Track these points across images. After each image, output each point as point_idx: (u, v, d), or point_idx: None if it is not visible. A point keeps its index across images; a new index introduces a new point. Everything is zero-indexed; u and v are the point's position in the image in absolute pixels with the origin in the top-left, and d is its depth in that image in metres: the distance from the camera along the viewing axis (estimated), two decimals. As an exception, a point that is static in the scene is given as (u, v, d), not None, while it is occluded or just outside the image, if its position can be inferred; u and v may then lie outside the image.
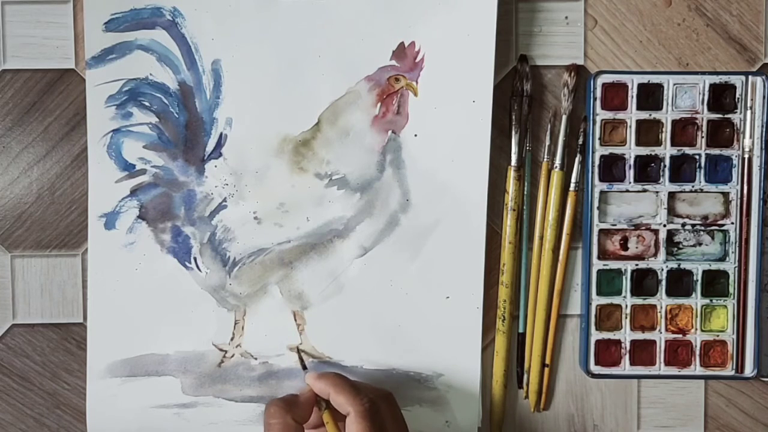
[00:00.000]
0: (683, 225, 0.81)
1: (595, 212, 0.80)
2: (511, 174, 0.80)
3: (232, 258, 0.80)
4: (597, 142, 0.80)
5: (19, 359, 0.81)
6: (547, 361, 0.82)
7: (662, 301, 0.81)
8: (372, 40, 0.78)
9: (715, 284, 0.82)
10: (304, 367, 0.79)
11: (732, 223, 0.81)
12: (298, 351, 0.80)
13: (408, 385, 0.80)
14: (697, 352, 0.82)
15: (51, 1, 0.80)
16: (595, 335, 0.81)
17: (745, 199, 0.81)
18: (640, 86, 0.80)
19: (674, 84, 0.80)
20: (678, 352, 0.82)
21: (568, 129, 0.80)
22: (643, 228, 0.81)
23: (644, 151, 0.80)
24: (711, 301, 0.81)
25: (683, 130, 0.81)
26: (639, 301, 0.81)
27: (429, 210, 0.79)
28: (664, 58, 0.81)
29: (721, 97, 0.81)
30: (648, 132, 0.80)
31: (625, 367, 0.82)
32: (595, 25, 0.81)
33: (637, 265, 0.81)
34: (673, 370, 0.82)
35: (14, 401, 0.82)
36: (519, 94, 0.80)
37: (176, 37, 0.78)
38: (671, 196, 0.81)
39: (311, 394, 0.75)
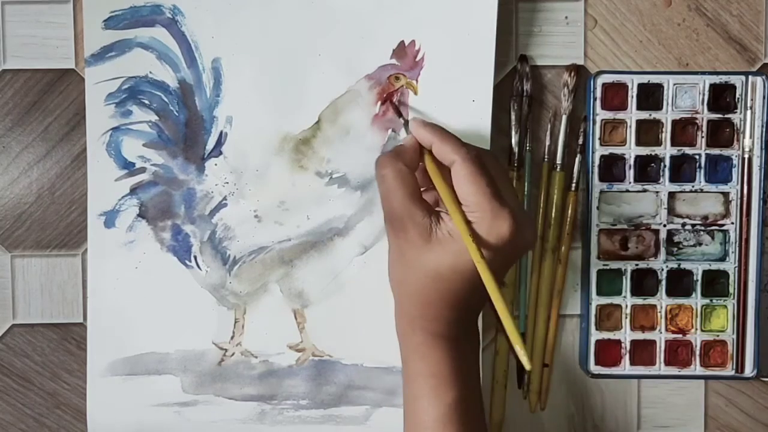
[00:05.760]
0: (683, 225, 0.81)
1: (595, 212, 0.80)
2: (511, 174, 0.80)
3: (233, 256, 0.79)
4: (597, 142, 0.80)
5: (19, 359, 0.81)
6: (547, 361, 0.82)
7: (662, 301, 0.81)
8: (372, 39, 0.78)
9: (715, 284, 0.82)
10: (400, 114, 0.78)
11: (732, 223, 0.81)
12: (392, 103, 0.79)
13: (408, 384, 0.80)
14: (697, 352, 0.82)
15: (51, 1, 0.80)
16: (595, 335, 0.81)
17: (745, 199, 0.81)
18: (640, 86, 0.80)
19: (674, 84, 0.80)
20: (678, 352, 0.82)
21: (568, 129, 0.80)
22: (643, 228, 0.81)
23: (644, 151, 0.80)
24: (711, 301, 0.81)
25: (683, 130, 0.81)
26: (639, 301, 0.81)
27: (429, 208, 0.79)
28: (664, 58, 0.81)
29: (721, 97, 0.81)
30: (648, 132, 0.81)
31: (625, 367, 0.82)
32: (595, 25, 0.81)
33: (637, 265, 0.81)
34: (673, 370, 0.82)
35: (14, 401, 0.82)
36: (519, 94, 0.80)
37: (176, 35, 0.78)
38: (671, 196, 0.81)
39: (415, 141, 0.73)
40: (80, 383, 0.81)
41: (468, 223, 0.67)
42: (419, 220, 0.69)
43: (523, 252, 0.76)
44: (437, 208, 0.72)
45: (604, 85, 0.80)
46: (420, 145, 0.73)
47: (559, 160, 0.80)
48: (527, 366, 0.65)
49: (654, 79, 0.80)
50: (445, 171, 0.71)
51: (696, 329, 0.82)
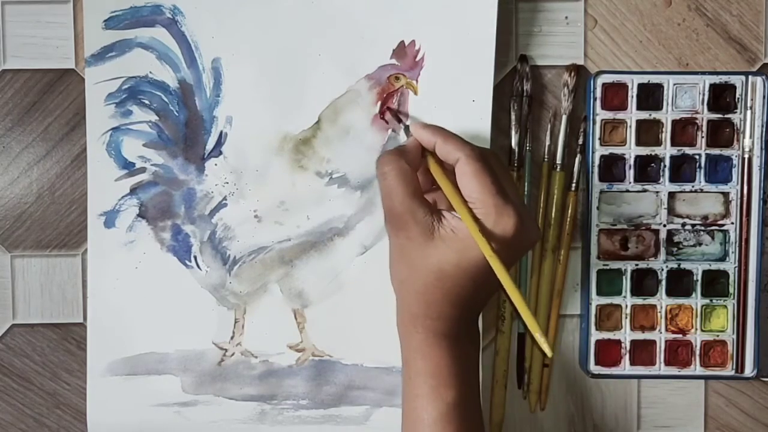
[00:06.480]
0: (683, 225, 0.81)
1: (595, 212, 0.80)
2: (512, 174, 0.80)
3: (233, 256, 0.80)
4: (597, 142, 0.80)
5: (19, 359, 0.81)
6: (547, 361, 0.82)
7: (662, 301, 0.81)
8: (372, 39, 0.78)
9: (715, 284, 0.82)
10: (399, 120, 0.78)
11: (732, 223, 0.81)
12: (390, 109, 0.79)
13: (408, 384, 0.80)
14: (697, 352, 0.82)
15: (51, 1, 0.80)
16: (595, 335, 0.81)
17: (745, 199, 0.81)
18: (640, 86, 0.80)
19: (674, 84, 0.80)
20: (678, 352, 0.82)
21: (568, 129, 0.80)
22: (643, 228, 0.81)
23: (644, 151, 0.80)
24: (711, 301, 0.81)
25: (683, 130, 0.81)
26: (639, 301, 0.81)
27: (429, 208, 0.79)
28: (664, 58, 0.81)
29: (721, 97, 0.81)
30: (648, 132, 0.81)
31: (625, 367, 0.82)
32: (595, 25, 0.81)
33: (637, 265, 0.81)
34: (673, 370, 0.82)
35: (14, 401, 0.82)
36: (519, 94, 0.80)
37: (176, 35, 0.78)
38: (671, 196, 0.81)
39: (416, 142, 0.73)
40: (80, 383, 0.81)
41: (476, 219, 0.67)
42: (421, 217, 0.69)
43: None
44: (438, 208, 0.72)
45: (604, 85, 0.80)
46: (421, 146, 0.73)
47: (559, 160, 0.80)
48: (549, 353, 0.66)
49: (654, 79, 0.80)
50: (447, 171, 0.71)
51: (696, 329, 0.82)
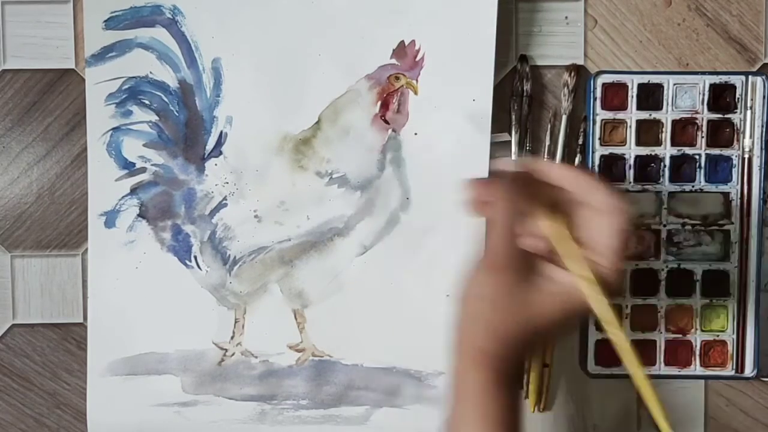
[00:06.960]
0: (683, 225, 0.81)
1: (595, 212, 0.81)
2: (512, 174, 0.80)
3: (233, 256, 0.80)
4: (597, 142, 0.80)
5: (19, 359, 0.81)
6: (547, 361, 0.82)
7: (662, 301, 0.81)
8: (372, 39, 0.78)
9: (715, 284, 0.81)
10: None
11: (732, 223, 0.81)
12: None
13: (408, 384, 0.80)
14: (697, 352, 0.82)
15: (51, 1, 0.80)
16: (595, 335, 0.81)
17: (745, 199, 0.81)
18: (640, 86, 0.80)
19: (674, 84, 0.80)
20: (678, 352, 0.82)
21: (568, 129, 0.80)
22: (643, 228, 0.81)
23: (644, 151, 0.80)
24: (711, 301, 0.81)
25: (683, 130, 0.81)
26: (639, 301, 0.81)
27: (429, 208, 0.79)
28: (664, 58, 0.81)
29: (721, 97, 0.81)
30: (648, 132, 0.81)
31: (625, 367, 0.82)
32: (595, 25, 0.81)
33: (637, 265, 0.81)
34: (673, 370, 0.82)
35: (14, 401, 0.82)
36: (519, 94, 0.80)
37: (176, 35, 0.78)
38: (671, 196, 0.81)
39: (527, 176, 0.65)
40: (80, 383, 0.81)
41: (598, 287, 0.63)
42: (519, 265, 0.64)
43: None
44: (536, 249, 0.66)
45: (604, 85, 0.80)
46: (534, 184, 0.66)
47: (559, 160, 0.80)
48: None
49: (654, 79, 0.80)
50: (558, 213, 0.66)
51: (696, 329, 0.81)
